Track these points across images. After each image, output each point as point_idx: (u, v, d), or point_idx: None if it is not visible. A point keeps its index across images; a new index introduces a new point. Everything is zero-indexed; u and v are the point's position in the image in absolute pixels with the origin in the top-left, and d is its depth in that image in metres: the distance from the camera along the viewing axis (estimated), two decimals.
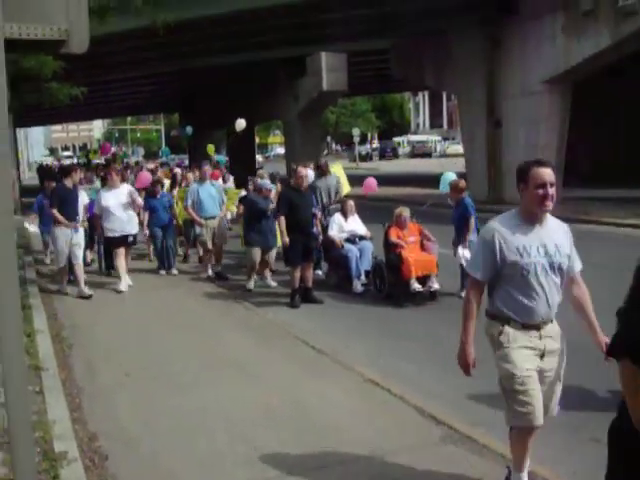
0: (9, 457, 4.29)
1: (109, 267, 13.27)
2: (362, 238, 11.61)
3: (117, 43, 24.44)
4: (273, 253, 11.90)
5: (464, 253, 10.41)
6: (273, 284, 11.96)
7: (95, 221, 12.46)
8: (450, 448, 5.33)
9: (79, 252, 11.41)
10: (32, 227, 14.57)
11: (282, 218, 10.23)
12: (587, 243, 15.48)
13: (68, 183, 11.37)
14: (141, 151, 70.20)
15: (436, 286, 10.33)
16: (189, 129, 25.43)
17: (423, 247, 10.73)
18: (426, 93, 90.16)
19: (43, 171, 49.34)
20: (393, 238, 10.56)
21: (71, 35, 3.32)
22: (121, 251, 11.87)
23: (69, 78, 18.23)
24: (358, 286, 11.11)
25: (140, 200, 12.59)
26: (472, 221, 10.58)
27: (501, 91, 23.86)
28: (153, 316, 9.89)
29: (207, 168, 13.77)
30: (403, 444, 5.42)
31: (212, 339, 8.54)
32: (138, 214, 12.75)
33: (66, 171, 11.75)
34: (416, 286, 10.13)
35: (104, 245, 13.01)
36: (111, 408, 6.36)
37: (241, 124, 19.28)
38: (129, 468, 5.15)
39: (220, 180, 16.83)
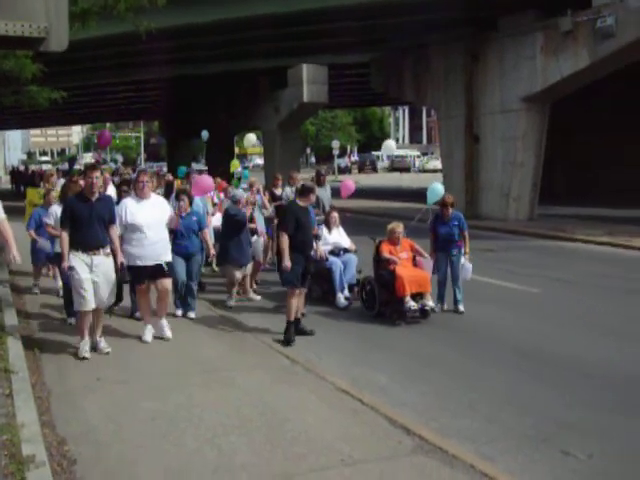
0: None
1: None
2: (346, 251, 11.37)
3: (99, 48, 24.42)
4: (250, 266, 11.43)
5: (469, 266, 10.53)
6: (257, 298, 11.59)
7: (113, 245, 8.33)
8: (421, 458, 5.34)
9: (106, 293, 8.14)
10: (40, 239, 10.93)
11: (286, 237, 8.87)
12: (560, 259, 15.82)
13: (90, 193, 8.07)
14: (120, 158, 69.93)
15: (431, 304, 9.97)
16: (205, 134, 24.84)
17: (414, 263, 10.40)
18: (406, 108, 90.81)
19: (19, 176, 48.60)
20: (386, 254, 10.15)
21: (50, 33, 3.31)
22: (145, 287, 8.93)
23: (50, 82, 18.18)
24: (341, 300, 10.85)
25: (175, 216, 9.29)
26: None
27: (480, 107, 24.07)
28: (126, 321, 9.79)
29: (196, 176, 13.59)
30: (374, 454, 5.43)
31: (185, 345, 8.48)
32: None
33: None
34: (411, 304, 9.74)
35: (134, 279, 9.02)
36: (81, 412, 6.30)
37: (251, 139, 18.91)
38: (97, 473, 5.10)
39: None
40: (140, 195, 8.74)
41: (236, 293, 11.41)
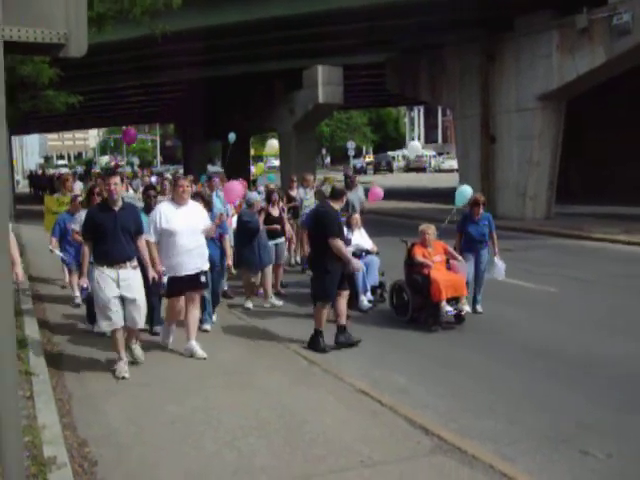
0: None
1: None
2: (368, 252, 11.20)
3: (115, 52, 24.52)
4: (269, 270, 11.27)
5: (502, 265, 10.47)
6: (279, 303, 11.25)
7: (151, 255, 7.90)
8: (440, 458, 5.33)
9: (138, 311, 7.53)
10: (56, 250, 11.24)
11: (340, 242, 8.51)
12: (578, 258, 15.71)
13: (112, 202, 7.47)
14: (136, 161, 70.18)
15: (467, 308, 9.66)
16: (232, 136, 24.63)
17: (447, 267, 10.00)
18: (421, 108, 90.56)
19: (36, 179, 49.02)
20: (419, 257, 9.79)
21: (70, 39, 3.35)
22: (180, 301, 8.42)
23: (67, 86, 18.31)
24: (364, 302, 10.67)
25: (213, 226, 8.70)
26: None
27: (496, 106, 23.99)
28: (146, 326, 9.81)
29: (217, 180, 13.66)
30: (393, 454, 5.43)
31: (205, 348, 8.47)
32: None
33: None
34: (448, 309, 9.38)
35: (168, 290, 8.47)
36: (102, 414, 6.34)
37: (274, 146, 19.04)
38: (118, 475, 5.13)
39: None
40: (178, 201, 8.19)
41: (254, 295, 11.37)
